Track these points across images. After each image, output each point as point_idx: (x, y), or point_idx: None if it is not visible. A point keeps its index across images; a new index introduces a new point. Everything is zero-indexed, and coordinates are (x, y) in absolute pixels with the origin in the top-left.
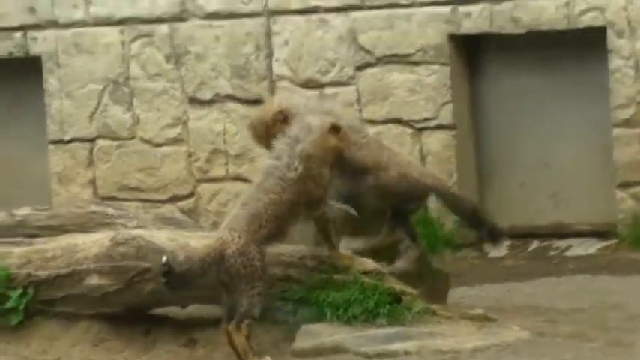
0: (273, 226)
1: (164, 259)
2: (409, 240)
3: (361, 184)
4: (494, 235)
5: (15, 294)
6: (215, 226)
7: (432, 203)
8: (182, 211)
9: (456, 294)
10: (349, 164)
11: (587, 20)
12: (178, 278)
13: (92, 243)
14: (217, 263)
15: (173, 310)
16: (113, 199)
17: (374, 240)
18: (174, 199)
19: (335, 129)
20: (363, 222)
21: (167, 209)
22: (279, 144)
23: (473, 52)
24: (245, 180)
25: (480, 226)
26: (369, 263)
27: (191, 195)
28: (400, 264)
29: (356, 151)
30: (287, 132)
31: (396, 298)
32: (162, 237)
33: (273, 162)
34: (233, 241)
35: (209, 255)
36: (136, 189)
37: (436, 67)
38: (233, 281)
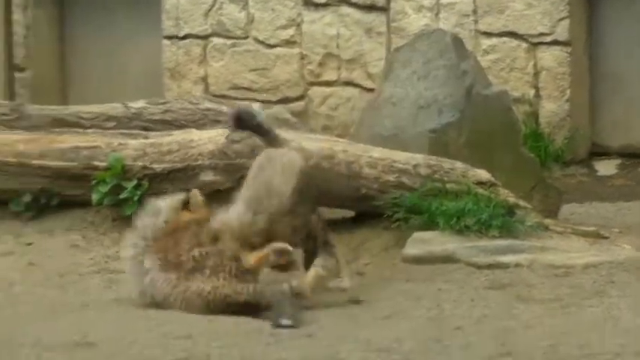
0: None
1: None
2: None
3: None
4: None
5: (130, 185)
6: (325, 129)
7: (544, 118)
8: (292, 112)
9: (565, 210)
10: None
11: None
12: None
13: (207, 139)
14: None
15: None
16: (224, 97)
17: None
18: (284, 100)
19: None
20: None
21: (278, 110)
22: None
23: None
24: (356, 85)
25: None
26: (483, 174)
27: (302, 97)
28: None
29: None
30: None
31: (510, 210)
32: None
33: None
34: None
35: None
36: (247, 88)
37: None
38: None
